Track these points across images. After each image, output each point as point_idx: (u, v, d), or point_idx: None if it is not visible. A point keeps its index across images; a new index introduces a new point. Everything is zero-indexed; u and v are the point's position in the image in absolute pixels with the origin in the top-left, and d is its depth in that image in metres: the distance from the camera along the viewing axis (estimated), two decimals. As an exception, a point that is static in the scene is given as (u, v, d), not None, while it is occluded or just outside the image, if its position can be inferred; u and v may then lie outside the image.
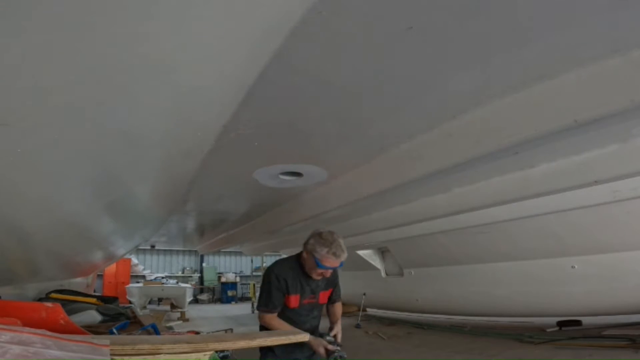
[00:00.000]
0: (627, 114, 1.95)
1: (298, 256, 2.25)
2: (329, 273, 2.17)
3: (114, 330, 3.08)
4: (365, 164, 3.56)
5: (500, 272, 5.83)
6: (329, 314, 2.45)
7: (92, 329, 3.03)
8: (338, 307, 2.44)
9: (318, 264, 2.06)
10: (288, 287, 2.16)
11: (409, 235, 5.98)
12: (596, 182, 3.05)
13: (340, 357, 2.08)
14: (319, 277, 2.18)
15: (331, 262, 2.06)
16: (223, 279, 16.90)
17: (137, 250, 14.71)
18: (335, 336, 2.27)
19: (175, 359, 1.32)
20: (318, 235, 2.10)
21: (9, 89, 1.21)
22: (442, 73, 2.09)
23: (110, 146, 1.95)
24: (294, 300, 2.17)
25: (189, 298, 10.99)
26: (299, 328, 2.17)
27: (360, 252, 8.37)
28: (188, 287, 11.23)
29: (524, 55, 1.92)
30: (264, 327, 2.20)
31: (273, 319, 2.15)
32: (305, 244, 2.14)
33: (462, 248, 6.09)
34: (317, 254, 2.05)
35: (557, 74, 2.07)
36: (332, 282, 2.37)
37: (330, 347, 2.11)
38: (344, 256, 2.11)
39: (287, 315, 2.20)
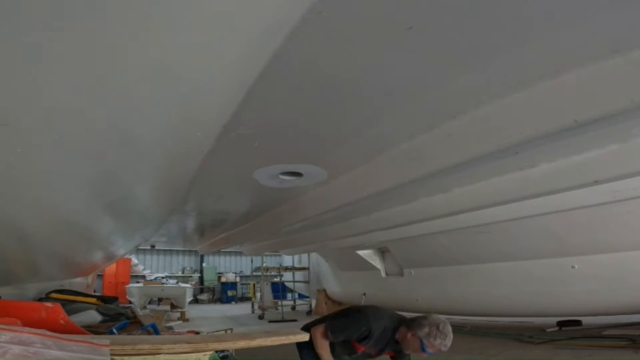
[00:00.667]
0: (627, 114, 1.95)
1: (395, 324, 2.37)
2: (424, 355, 2.27)
3: (114, 330, 3.08)
4: (365, 164, 3.56)
5: (500, 272, 5.83)
6: None
7: (92, 329, 3.03)
8: None
9: (424, 349, 2.19)
10: (363, 340, 2.31)
11: (409, 235, 5.97)
12: (596, 182, 3.05)
13: None
14: (409, 352, 2.35)
15: (436, 350, 2.20)
16: (223, 279, 16.90)
17: (137, 250, 14.71)
18: None
19: (175, 359, 1.32)
20: (436, 327, 2.19)
21: (9, 89, 1.21)
22: (442, 73, 2.09)
23: (110, 146, 1.95)
24: (357, 347, 2.36)
25: (189, 298, 10.99)
26: None
27: (360, 252, 8.37)
28: (188, 287, 11.22)
29: (524, 55, 1.92)
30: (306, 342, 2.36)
31: (326, 344, 2.34)
32: (416, 326, 2.23)
33: (462, 248, 6.09)
34: (426, 340, 2.17)
35: (557, 74, 2.07)
36: (401, 352, 2.44)
37: None
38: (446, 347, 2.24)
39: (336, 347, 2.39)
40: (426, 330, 2.18)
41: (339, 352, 2.42)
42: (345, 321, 2.38)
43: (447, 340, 2.17)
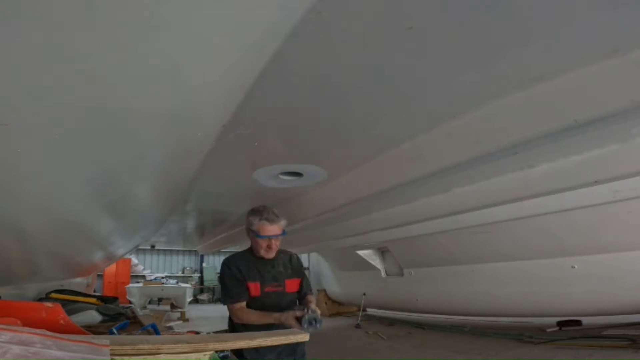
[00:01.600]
0: (627, 114, 1.95)
1: (250, 248, 2.25)
2: (274, 244, 2.13)
3: (114, 330, 3.08)
4: (365, 164, 3.56)
5: (500, 272, 5.83)
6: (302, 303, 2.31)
7: (92, 329, 3.04)
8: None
9: (257, 236, 2.09)
10: (243, 274, 2.13)
11: (409, 235, 5.98)
12: (596, 182, 3.05)
13: (313, 319, 1.92)
14: (270, 255, 2.15)
15: (268, 229, 2.08)
16: (223, 279, 16.88)
17: (137, 250, 14.70)
18: (306, 306, 2.08)
19: (175, 359, 1.32)
20: (250, 211, 2.15)
21: (9, 89, 1.21)
22: (442, 73, 2.09)
23: (110, 146, 1.95)
24: (254, 289, 2.13)
25: (189, 298, 11.00)
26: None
27: (360, 252, 8.37)
28: (188, 287, 11.24)
29: (524, 55, 1.92)
30: (235, 326, 2.17)
31: (241, 309, 2.09)
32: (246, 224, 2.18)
33: (462, 248, 6.09)
34: (253, 227, 2.10)
35: (557, 74, 2.07)
36: (297, 271, 2.31)
37: (298, 312, 1.98)
38: (281, 222, 2.12)
39: (253, 307, 2.13)
40: (246, 220, 2.15)
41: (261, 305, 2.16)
42: (221, 288, 2.25)
43: (265, 214, 2.08)
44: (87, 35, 1.10)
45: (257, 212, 2.12)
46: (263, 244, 2.12)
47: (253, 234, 2.12)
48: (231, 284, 2.13)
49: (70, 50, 1.14)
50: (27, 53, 1.08)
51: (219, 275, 2.24)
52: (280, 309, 2.09)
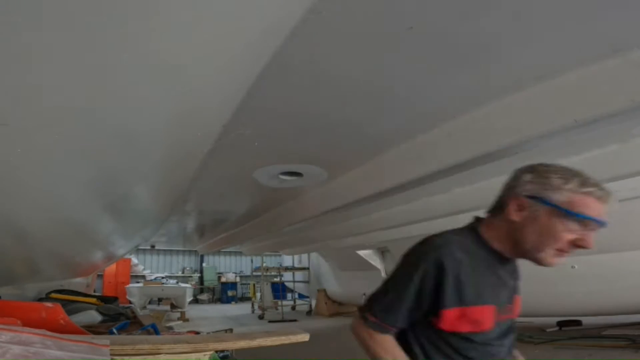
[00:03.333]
0: (627, 114, 1.95)
1: (474, 229, 1.17)
2: (590, 241, 0.99)
3: (114, 330, 3.08)
4: (365, 164, 3.56)
5: (500, 272, 5.82)
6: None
7: (92, 329, 3.03)
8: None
9: (569, 214, 0.97)
10: (462, 289, 1.03)
11: (409, 235, 5.97)
12: (596, 182, 3.05)
13: None
14: (557, 258, 1.04)
15: (597, 207, 0.97)
16: (223, 279, 16.90)
17: (137, 250, 14.70)
18: None
19: (175, 359, 1.32)
20: (537, 171, 1.04)
21: (9, 89, 1.21)
22: (442, 73, 2.09)
23: (110, 146, 1.95)
24: (487, 316, 1.06)
25: (189, 298, 11.00)
26: None
27: (360, 252, 8.37)
28: (188, 287, 11.24)
29: (524, 55, 1.92)
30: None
31: (386, 343, 1.07)
32: (511, 188, 1.09)
33: (462, 248, 6.08)
34: (560, 195, 0.98)
35: (557, 74, 2.07)
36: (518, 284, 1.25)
37: None
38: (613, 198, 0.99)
39: (462, 350, 1.06)
40: (529, 177, 1.04)
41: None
42: (386, 281, 1.13)
43: (586, 178, 0.99)
44: (86, 36, 1.10)
45: (566, 173, 1.00)
46: (565, 237, 1.00)
47: (548, 213, 1.00)
48: (407, 298, 1.05)
49: (69, 50, 1.13)
50: (27, 52, 1.08)
51: (406, 261, 1.11)
52: (500, 351, 1.11)
